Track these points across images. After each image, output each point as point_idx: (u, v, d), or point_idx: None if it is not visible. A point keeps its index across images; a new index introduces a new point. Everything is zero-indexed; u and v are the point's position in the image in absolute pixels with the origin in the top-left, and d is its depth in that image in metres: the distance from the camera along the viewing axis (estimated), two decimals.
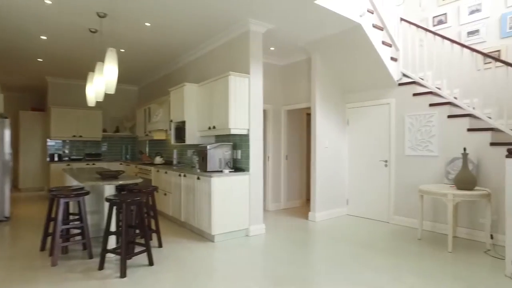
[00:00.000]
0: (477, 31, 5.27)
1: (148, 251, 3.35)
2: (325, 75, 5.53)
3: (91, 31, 4.59)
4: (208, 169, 4.43)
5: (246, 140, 4.52)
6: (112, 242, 3.59)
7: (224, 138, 5.00)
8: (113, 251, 3.15)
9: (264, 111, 6.30)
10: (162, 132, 6.88)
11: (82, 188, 3.85)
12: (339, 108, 5.78)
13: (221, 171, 4.46)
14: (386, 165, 5.27)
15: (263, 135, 6.12)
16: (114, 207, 3.55)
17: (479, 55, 5.02)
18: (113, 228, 3.55)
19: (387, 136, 5.27)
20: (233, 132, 4.37)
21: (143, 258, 3.56)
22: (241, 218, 4.39)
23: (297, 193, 6.75)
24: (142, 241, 4.14)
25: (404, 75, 5.22)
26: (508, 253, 3.03)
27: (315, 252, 3.77)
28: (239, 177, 4.36)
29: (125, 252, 3.06)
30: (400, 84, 5.09)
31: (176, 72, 6.79)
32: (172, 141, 5.57)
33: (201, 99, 5.06)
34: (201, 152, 4.59)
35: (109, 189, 3.70)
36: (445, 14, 5.68)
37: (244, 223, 4.42)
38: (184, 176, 4.83)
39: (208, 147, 4.43)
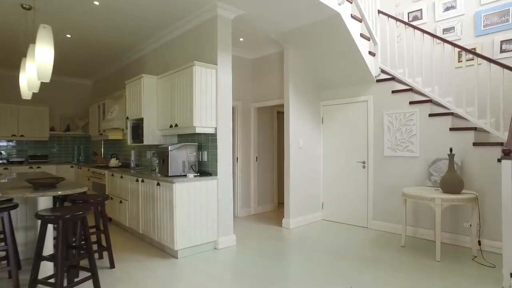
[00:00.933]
0: (452, 28, 5.12)
1: (94, 277, 2.71)
2: (299, 70, 5.11)
3: (24, 8, 3.80)
4: (169, 174, 3.83)
5: (213, 140, 3.98)
6: (48, 268, 2.90)
7: (188, 138, 4.42)
8: (45, 281, 2.48)
9: (232, 108, 5.78)
10: (118, 131, 6.13)
11: (10, 200, 3.11)
12: (314, 105, 5.40)
13: (185, 175, 3.89)
14: (364, 167, 4.96)
15: (231, 134, 5.57)
16: (50, 225, 2.87)
17: (459, 52, 4.86)
18: (49, 250, 2.87)
19: (364, 136, 4.96)
20: (198, 131, 3.81)
21: (89, 285, 2.90)
22: (208, 230, 3.84)
23: (269, 197, 6.31)
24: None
25: (383, 71, 4.94)
26: (507, 262, 2.75)
27: (293, 267, 3.32)
28: (205, 182, 3.81)
29: (62, 281, 2.41)
30: (378, 81, 4.80)
31: (134, 64, 6.07)
32: (129, 141, 4.89)
33: (162, 93, 4.43)
34: (162, 154, 3.98)
35: (45, 201, 3.00)
36: (420, 10, 5.49)
37: (212, 235, 3.88)
38: (142, 181, 4.19)
39: (170, 148, 3.84)
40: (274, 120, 6.45)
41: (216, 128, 3.95)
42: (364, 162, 4.96)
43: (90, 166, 6.20)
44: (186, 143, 3.98)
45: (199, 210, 3.74)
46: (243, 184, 5.83)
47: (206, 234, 3.82)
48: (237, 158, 5.74)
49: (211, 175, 3.97)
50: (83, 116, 8.06)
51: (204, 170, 4.15)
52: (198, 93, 3.78)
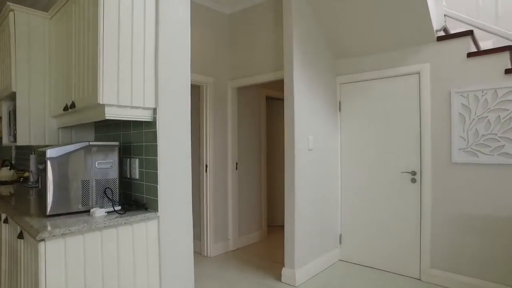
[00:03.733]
0: None
1: None
2: (305, 26, 3.13)
3: None
4: (49, 210, 1.72)
5: (150, 135, 1.91)
6: None
7: (112, 132, 2.33)
8: None
9: (199, 88, 3.73)
10: None
11: None
12: (327, 83, 3.43)
13: (87, 211, 1.80)
14: (413, 180, 3.04)
15: (196, 127, 3.58)
16: None
17: None
18: None
19: (414, 130, 3.05)
20: (111, 115, 1.72)
21: None
22: None
23: (255, 222, 4.29)
24: None
25: (444, 30, 3.04)
26: None
27: None
28: (130, 229, 1.75)
29: None
30: (440, 38, 2.89)
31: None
32: (4, 138, 2.71)
33: (57, 45, 2.30)
34: (39, 167, 1.87)
35: None
36: None
37: None
38: (6, 221, 2.06)
39: (50, 153, 1.73)
40: (262, 107, 4.43)
41: (155, 111, 1.87)
42: (414, 173, 3.04)
43: None
44: (92, 143, 1.88)
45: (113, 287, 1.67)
46: (217, 205, 3.79)
47: None
48: (206, 166, 3.69)
49: (146, 208, 1.91)
50: None
51: (135, 198, 2.07)
52: (112, 34, 1.70)
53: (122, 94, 1.73)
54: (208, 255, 3.71)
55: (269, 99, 4.78)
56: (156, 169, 1.86)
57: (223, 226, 3.87)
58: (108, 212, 1.79)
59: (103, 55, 1.66)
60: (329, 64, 3.47)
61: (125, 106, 1.76)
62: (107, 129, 2.38)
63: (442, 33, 2.97)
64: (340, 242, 3.56)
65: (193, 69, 3.50)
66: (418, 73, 3.01)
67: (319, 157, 3.27)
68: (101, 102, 1.65)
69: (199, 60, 3.58)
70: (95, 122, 2.44)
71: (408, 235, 3.08)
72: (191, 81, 3.45)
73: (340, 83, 3.55)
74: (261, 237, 4.36)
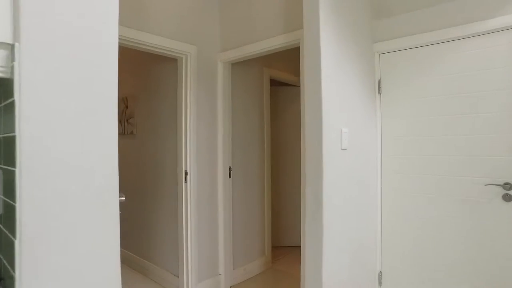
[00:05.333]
0: None
1: None
2: None
3: None
4: None
5: (7, 114, 0.79)
6: None
7: None
8: None
9: (176, 63, 2.60)
10: None
11: None
12: (361, 54, 2.32)
13: None
14: (507, 198, 1.93)
15: (172, 117, 2.50)
16: None
17: None
18: None
19: (507, 120, 1.94)
20: None
21: None
22: None
23: (255, 247, 3.17)
24: None
25: None
26: None
27: None
28: None
29: None
30: None
31: None
32: None
33: None
34: None
35: None
36: None
37: None
38: None
39: None
40: (266, 91, 3.31)
41: (13, 54, 0.75)
42: (508, 186, 1.92)
43: None
44: None
45: None
46: (202, 228, 2.67)
47: None
48: (186, 173, 2.56)
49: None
50: None
51: None
52: None
53: None
54: None
55: (273, 84, 3.68)
56: (14, 198, 0.74)
57: (211, 256, 2.75)
58: None
59: None
60: (364, 25, 2.35)
61: None
62: None
63: None
64: (380, 284, 2.44)
65: (165, 33, 2.39)
66: None
67: (355, 161, 2.16)
68: None
69: (174, 20, 2.47)
70: None
71: (499, 284, 1.97)
72: (160, 48, 2.34)
73: (379, 52, 2.44)
74: (265, 267, 3.24)
